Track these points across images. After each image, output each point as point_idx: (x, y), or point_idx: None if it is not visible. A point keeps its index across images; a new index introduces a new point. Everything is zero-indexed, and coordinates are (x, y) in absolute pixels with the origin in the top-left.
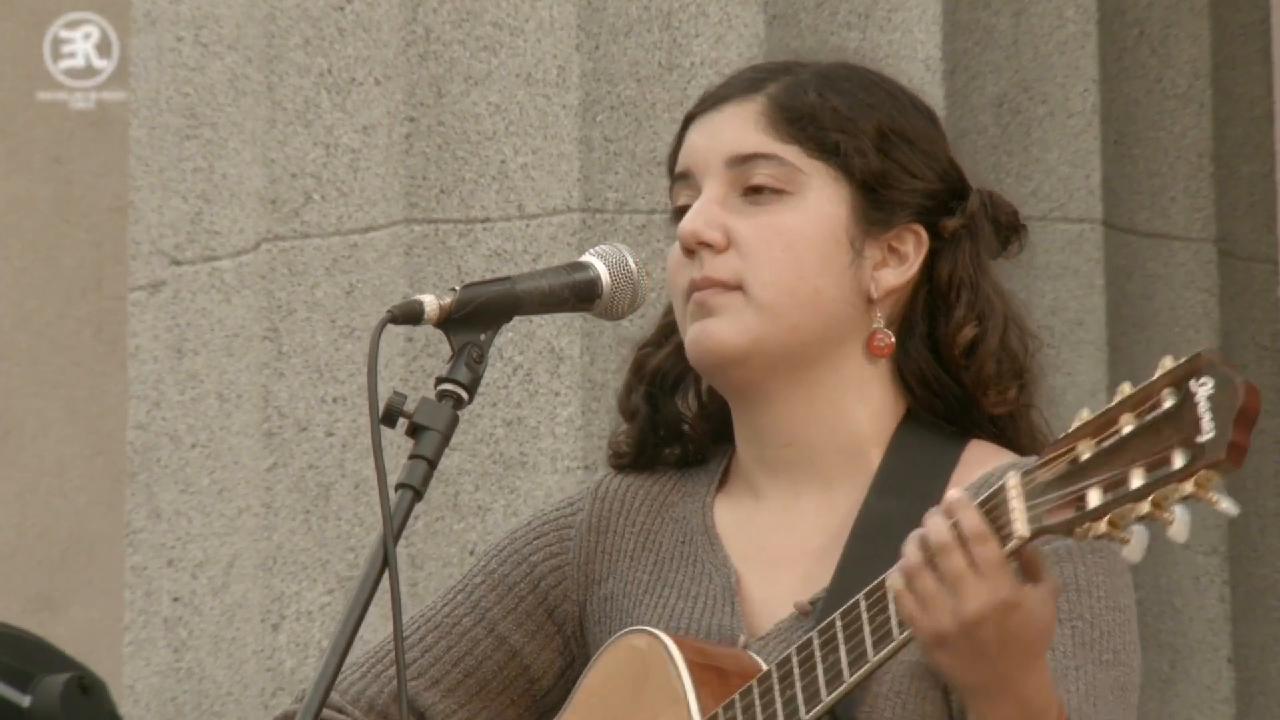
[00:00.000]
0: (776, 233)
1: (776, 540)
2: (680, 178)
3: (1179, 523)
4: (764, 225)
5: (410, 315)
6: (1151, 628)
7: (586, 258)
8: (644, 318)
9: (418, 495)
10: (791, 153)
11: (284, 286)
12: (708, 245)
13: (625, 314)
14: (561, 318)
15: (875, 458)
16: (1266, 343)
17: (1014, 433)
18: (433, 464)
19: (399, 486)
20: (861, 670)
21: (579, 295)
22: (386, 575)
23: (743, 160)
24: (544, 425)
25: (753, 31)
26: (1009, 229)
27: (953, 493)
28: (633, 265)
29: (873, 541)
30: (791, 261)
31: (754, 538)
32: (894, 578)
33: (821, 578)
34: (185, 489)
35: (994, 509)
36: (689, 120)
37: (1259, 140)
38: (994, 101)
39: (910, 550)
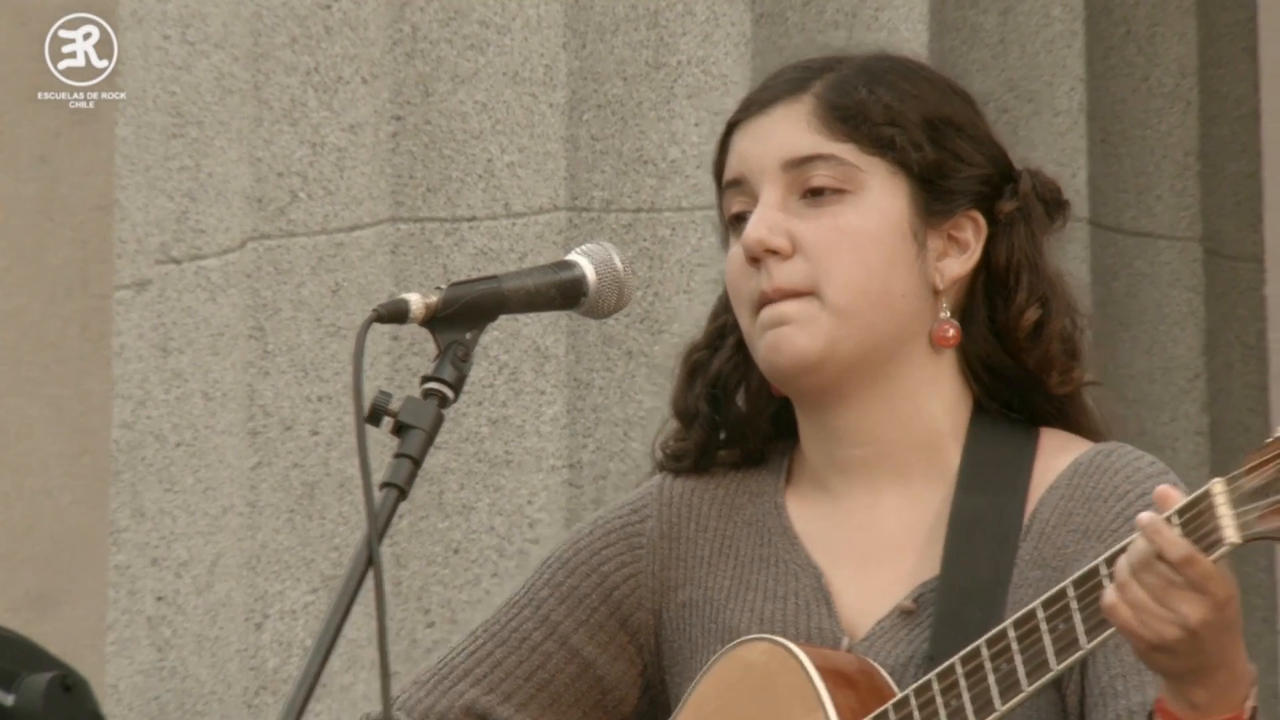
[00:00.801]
0: (843, 234)
1: (861, 539)
2: (732, 185)
3: None
4: (829, 227)
5: (396, 314)
6: None
7: (572, 256)
8: (629, 316)
9: (402, 494)
10: (847, 151)
11: (270, 285)
12: (774, 252)
13: (611, 313)
14: (547, 316)
15: (953, 452)
16: (1252, 341)
17: (1074, 413)
18: (418, 462)
19: (384, 485)
20: (1041, 678)
21: (565, 294)
22: (371, 574)
23: (799, 162)
24: (529, 424)
25: (739, 30)
26: (1054, 206)
27: (1146, 516)
28: (619, 264)
29: (969, 538)
30: (861, 262)
31: (836, 537)
32: (1105, 592)
33: (917, 575)
34: (170, 488)
35: (1199, 515)
36: (732, 126)
37: (1245, 139)
38: (980, 100)
39: (1121, 567)
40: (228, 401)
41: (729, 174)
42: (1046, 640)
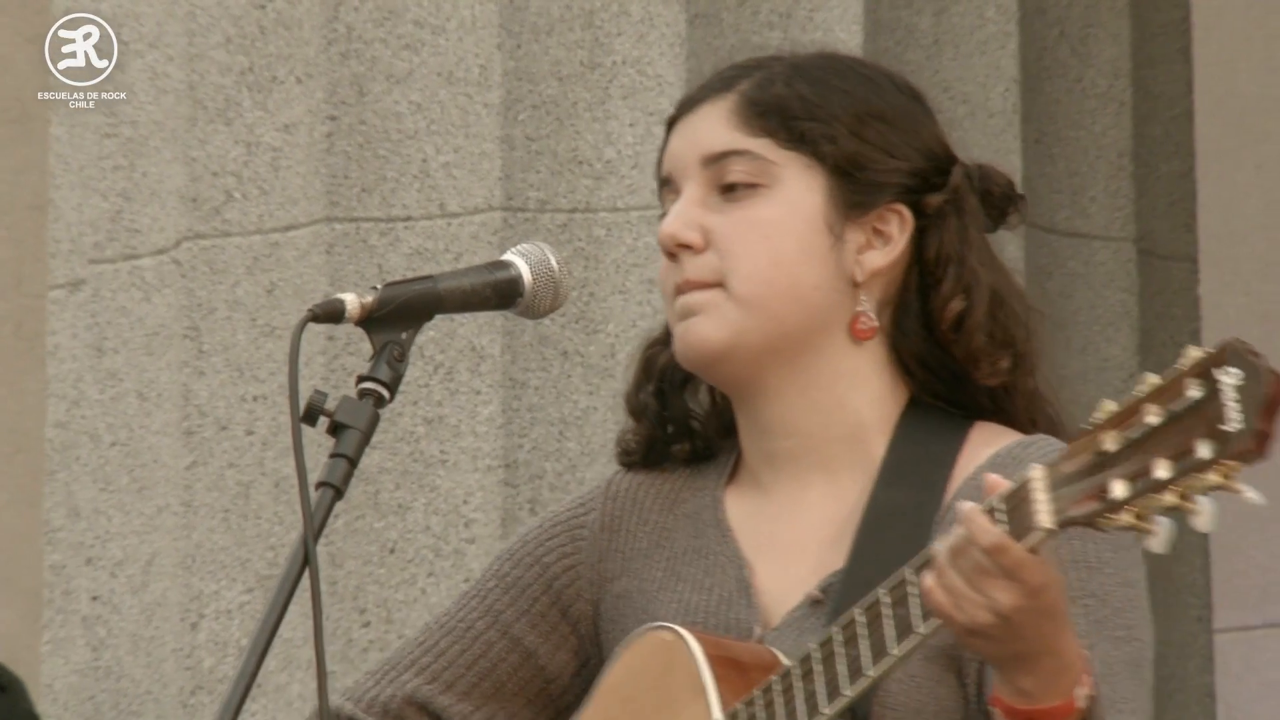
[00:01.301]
0: (751, 226)
1: (785, 531)
2: (664, 183)
3: (1204, 514)
4: (739, 220)
5: (331, 314)
6: None
7: (508, 256)
8: (564, 316)
9: (338, 493)
10: (763, 146)
11: (204, 285)
12: (686, 247)
13: (547, 313)
14: (482, 316)
15: (879, 445)
16: (1186, 342)
17: (1012, 407)
18: (353, 462)
19: (319, 485)
20: (883, 664)
21: (501, 294)
22: (307, 574)
23: (716, 158)
24: (465, 424)
25: (674, 30)
26: (1003, 200)
27: (965, 505)
28: (554, 264)
29: (883, 530)
30: (768, 253)
31: (763, 529)
32: (924, 576)
33: (831, 567)
34: (104, 487)
35: (1019, 502)
36: (670, 125)
37: (1179, 139)
38: None
39: (940, 554)
40: (162, 401)
41: (661, 172)
42: (888, 625)
